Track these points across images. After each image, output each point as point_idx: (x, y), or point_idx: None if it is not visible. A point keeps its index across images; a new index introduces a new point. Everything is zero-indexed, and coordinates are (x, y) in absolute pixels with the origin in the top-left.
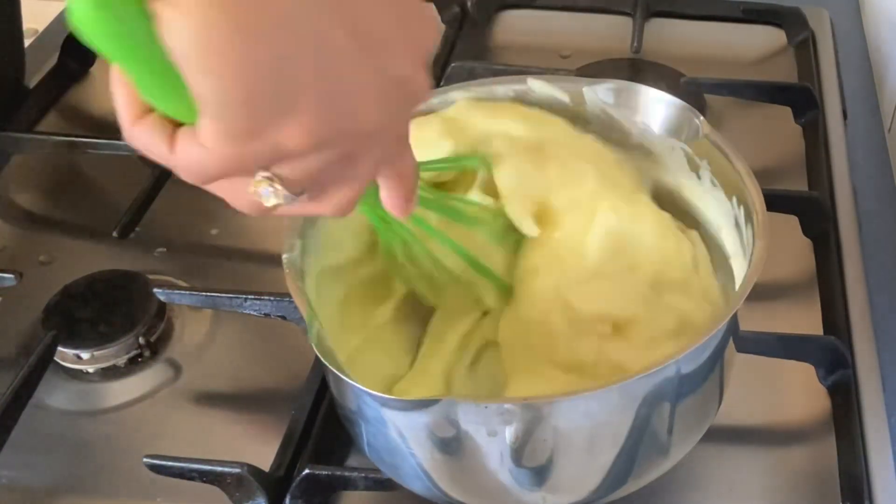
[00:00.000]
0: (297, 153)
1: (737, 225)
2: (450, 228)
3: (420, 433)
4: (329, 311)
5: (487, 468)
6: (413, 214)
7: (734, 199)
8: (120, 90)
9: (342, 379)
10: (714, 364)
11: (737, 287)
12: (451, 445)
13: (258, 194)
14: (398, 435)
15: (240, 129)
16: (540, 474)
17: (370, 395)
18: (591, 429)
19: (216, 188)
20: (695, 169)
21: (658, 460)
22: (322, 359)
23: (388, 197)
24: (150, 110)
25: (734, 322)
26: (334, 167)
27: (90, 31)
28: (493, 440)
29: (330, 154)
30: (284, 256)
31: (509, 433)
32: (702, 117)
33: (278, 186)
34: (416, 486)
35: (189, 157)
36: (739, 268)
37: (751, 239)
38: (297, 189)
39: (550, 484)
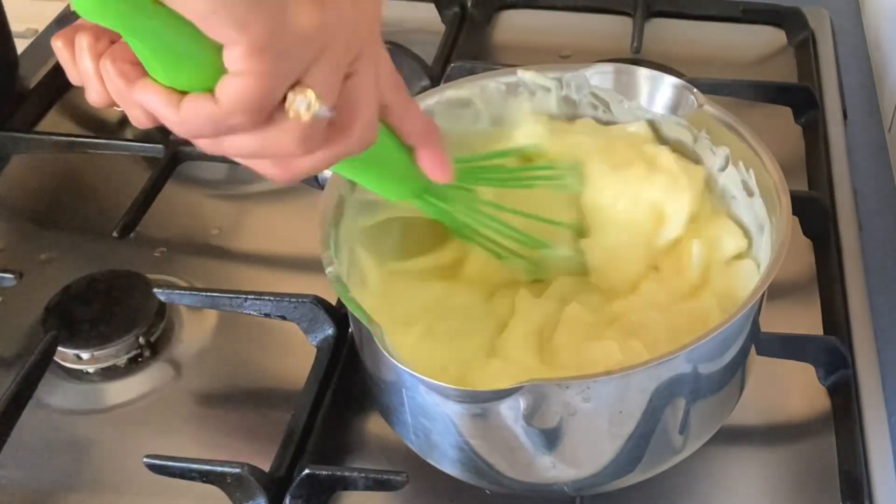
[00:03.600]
0: (309, 39)
1: (746, 189)
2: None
3: (473, 419)
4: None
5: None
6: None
7: (741, 164)
8: (115, 61)
9: (403, 371)
10: (736, 360)
11: (761, 255)
12: (498, 425)
13: (295, 110)
14: (452, 423)
15: (263, 39)
16: (555, 443)
17: (440, 388)
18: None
19: (236, 149)
20: (695, 141)
21: (669, 452)
22: (393, 360)
23: (425, 160)
24: (141, 75)
25: (756, 318)
26: (341, 67)
27: (94, 12)
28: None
29: (333, 52)
30: (328, 270)
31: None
32: (696, 90)
33: (311, 95)
34: (456, 468)
35: (199, 112)
36: (757, 231)
37: (763, 204)
38: (327, 98)
39: (562, 455)
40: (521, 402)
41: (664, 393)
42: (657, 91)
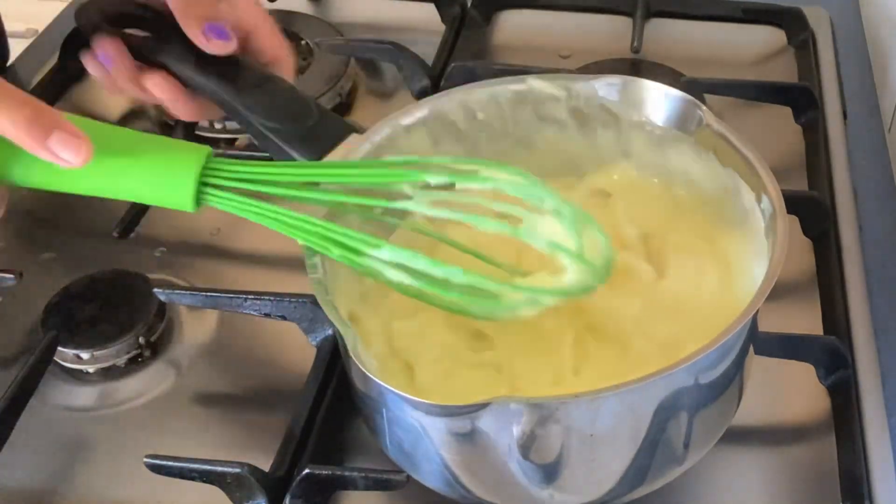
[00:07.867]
0: None
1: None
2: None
3: (449, 436)
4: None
5: (506, 464)
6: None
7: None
8: None
9: (375, 382)
10: (735, 364)
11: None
12: (476, 443)
13: None
14: (427, 437)
15: None
16: (554, 471)
17: (409, 400)
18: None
19: None
20: (701, 160)
21: (673, 465)
22: (362, 367)
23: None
24: None
25: (754, 321)
26: None
27: None
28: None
29: None
30: (311, 276)
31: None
32: (704, 108)
33: None
34: (436, 483)
35: None
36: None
37: (765, 223)
38: None
39: (560, 483)
40: (492, 421)
41: (667, 406)
42: (665, 106)
